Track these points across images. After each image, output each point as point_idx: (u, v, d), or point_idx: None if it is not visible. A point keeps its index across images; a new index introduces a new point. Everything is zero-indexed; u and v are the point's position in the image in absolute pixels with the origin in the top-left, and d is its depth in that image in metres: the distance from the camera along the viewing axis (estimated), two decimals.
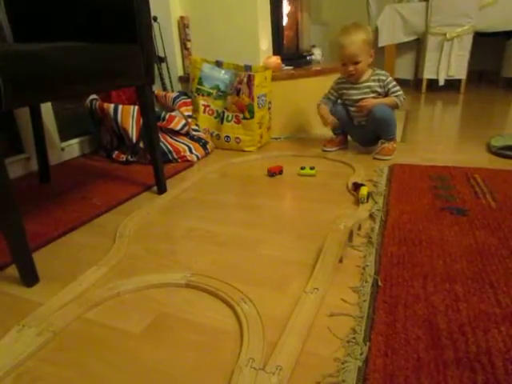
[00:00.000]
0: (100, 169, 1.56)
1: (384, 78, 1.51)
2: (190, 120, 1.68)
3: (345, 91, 1.57)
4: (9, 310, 0.73)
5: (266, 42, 1.93)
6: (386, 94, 1.52)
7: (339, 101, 1.63)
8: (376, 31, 3.13)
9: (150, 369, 0.58)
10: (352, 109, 1.58)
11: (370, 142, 1.62)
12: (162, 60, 1.93)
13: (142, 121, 1.47)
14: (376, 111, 1.48)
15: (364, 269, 0.78)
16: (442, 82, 3.02)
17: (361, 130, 1.62)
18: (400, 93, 1.50)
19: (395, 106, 1.50)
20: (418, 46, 3.27)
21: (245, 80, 1.67)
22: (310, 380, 0.54)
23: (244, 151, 1.73)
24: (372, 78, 1.52)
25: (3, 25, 1.23)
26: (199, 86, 1.78)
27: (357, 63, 1.46)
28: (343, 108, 1.61)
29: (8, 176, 0.73)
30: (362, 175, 1.32)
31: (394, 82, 1.52)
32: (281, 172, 1.41)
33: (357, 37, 1.43)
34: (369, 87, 1.52)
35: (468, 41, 2.87)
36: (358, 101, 1.53)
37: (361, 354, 0.57)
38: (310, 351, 0.59)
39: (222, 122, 1.76)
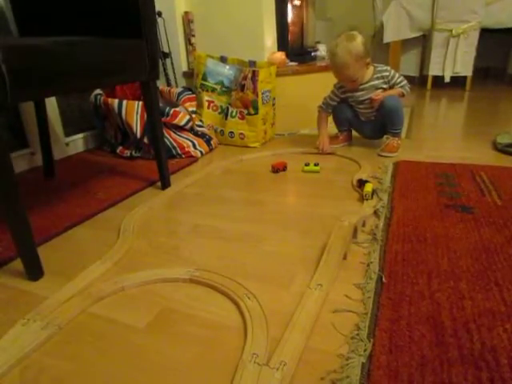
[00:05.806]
0: (104, 164, 1.56)
1: (387, 73, 1.50)
2: (194, 116, 1.67)
3: (349, 94, 1.56)
4: (14, 303, 0.74)
5: (270, 38, 1.92)
6: (391, 87, 1.52)
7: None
8: (381, 27, 3.11)
9: (154, 363, 0.59)
10: (360, 106, 1.57)
11: (380, 134, 1.62)
12: (166, 55, 1.92)
13: (146, 116, 1.47)
14: (386, 101, 1.48)
15: (368, 265, 0.78)
16: (447, 79, 3.00)
17: (369, 125, 1.62)
18: (405, 82, 1.52)
19: (402, 95, 1.53)
20: (423, 42, 3.25)
21: (249, 76, 1.66)
22: (314, 376, 0.54)
23: (248, 147, 1.73)
24: (375, 76, 1.51)
25: (8, 19, 1.23)
26: (203, 82, 1.78)
27: (354, 81, 1.47)
28: (347, 107, 1.61)
29: (13, 170, 0.74)
30: (367, 171, 1.31)
31: (397, 74, 1.52)
32: (285, 168, 1.41)
33: (350, 56, 1.40)
34: (374, 86, 1.51)
35: (474, 37, 2.85)
36: (365, 100, 1.53)
37: (365, 350, 0.57)
38: (313, 347, 0.59)
39: (226, 118, 1.76)
